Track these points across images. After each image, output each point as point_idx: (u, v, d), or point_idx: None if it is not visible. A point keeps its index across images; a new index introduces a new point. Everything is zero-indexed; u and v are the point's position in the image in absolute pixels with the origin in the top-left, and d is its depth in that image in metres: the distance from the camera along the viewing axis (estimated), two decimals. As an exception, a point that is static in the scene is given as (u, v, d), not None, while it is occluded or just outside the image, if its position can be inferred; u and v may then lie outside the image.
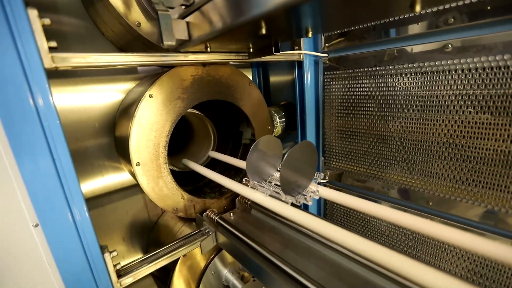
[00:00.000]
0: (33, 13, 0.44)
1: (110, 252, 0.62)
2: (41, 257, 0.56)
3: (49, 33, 0.48)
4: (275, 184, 0.64)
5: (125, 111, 0.81)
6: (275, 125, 1.06)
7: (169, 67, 0.74)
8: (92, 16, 0.79)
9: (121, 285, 0.63)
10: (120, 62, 0.56)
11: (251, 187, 0.66)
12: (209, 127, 1.12)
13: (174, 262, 0.81)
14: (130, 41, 0.75)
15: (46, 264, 0.57)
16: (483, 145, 0.65)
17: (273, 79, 1.22)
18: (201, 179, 1.09)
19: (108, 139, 0.91)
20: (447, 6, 0.63)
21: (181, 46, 0.63)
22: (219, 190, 1.01)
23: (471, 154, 0.68)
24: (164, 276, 0.87)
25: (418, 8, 0.41)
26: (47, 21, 0.46)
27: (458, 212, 0.72)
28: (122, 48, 0.85)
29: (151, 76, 0.84)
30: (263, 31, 0.45)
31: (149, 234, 1.05)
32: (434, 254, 0.80)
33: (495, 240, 0.58)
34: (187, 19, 0.55)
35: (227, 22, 0.46)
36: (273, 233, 0.74)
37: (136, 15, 0.64)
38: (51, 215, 0.53)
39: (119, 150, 0.89)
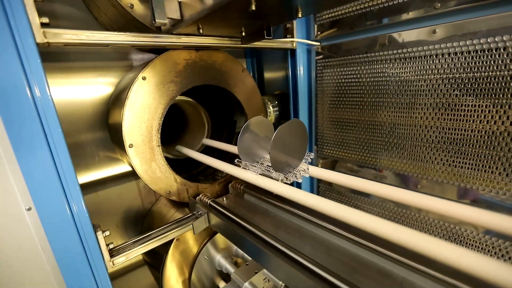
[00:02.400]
0: (24, -14, 0.45)
1: (103, 232, 0.63)
2: (33, 238, 0.57)
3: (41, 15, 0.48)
4: (267, 165, 0.65)
5: (117, 97, 0.82)
6: (269, 114, 1.07)
7: (162, 50, 0.74)
8: (85, 0, 0.79)
9: (113, 264, 0.64)
10: (112, 41, 0.57)
11: (242, 167, 0.67)
12: (203, 116, 1.13)
13: (167, 247, 0.82)
14: (124, 25, 0.75)
15: (38, 246, 0.58)
16: (468, 126, 0.67)
17: (267, 69, 1.23)
18: (195, 168, 1.09)
19: (102, 125, 0.91)
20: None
21: (173, 28, 0.64)
22: (213, 177, 1.01)
23: (457, 137, 0.70)
24: (158, 263, 0.87)
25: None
26: (38, -5, 0.47)
27: (445, 194, 0.74)
28: (116, 33, 0.85)
29: (144, 63, 0.84)
30: (253, 7, 0.46)
31: (143, 221, 1.06)
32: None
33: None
34: (179, -2, 0.56)
35: (218, -2, 0.47)
36: (266, 216, 0.75)
37: (129, -3, 0.65)
38: (45, 197, 0.54)
39: (113, 137, 0.90)
